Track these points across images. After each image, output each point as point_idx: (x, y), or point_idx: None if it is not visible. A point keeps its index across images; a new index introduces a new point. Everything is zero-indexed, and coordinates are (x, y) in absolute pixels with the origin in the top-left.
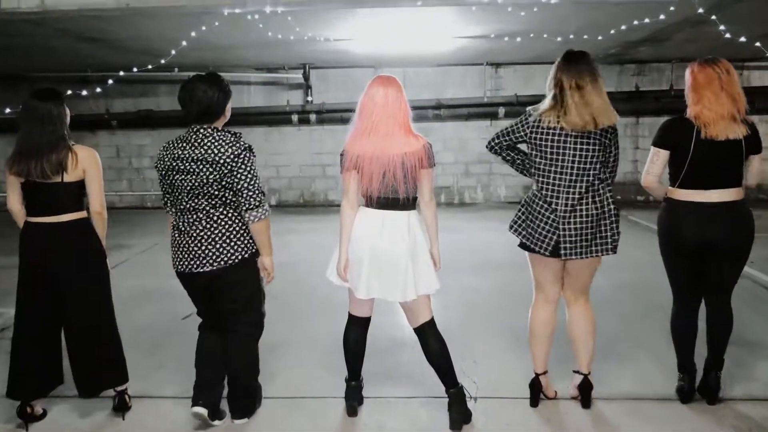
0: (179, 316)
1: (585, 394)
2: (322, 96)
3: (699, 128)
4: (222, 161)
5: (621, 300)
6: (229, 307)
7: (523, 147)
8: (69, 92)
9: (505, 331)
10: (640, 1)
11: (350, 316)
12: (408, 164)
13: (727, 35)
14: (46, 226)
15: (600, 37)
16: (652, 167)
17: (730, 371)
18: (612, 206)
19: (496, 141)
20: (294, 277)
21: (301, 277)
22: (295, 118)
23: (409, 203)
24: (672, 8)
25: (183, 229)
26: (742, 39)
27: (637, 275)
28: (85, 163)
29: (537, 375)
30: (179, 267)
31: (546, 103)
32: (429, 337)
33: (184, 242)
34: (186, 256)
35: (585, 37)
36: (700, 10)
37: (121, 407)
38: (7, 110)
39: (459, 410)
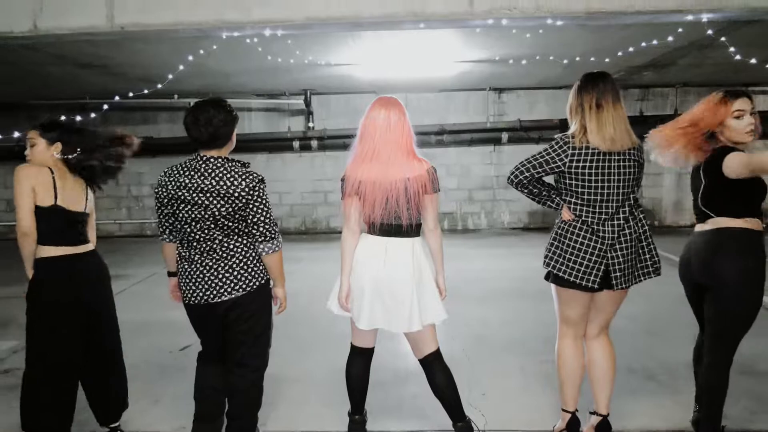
0: (175, 349)
1: None
2: (324, 122)
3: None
4: (237, 194)
5: (630, 330)
6: (242, 338)
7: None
8: (63, 117)
9: (514, 362)
10: (648, 23)
11: (353, 347)
12: (411, 190)
13: (738, 57)
14: (77, 257)
15: (607, 60)
16: None
17: (749, 404)
18: (647, 227)
19: (526, 174)
20: (296, 307)
21: (304, 307)
22: (296, 144)
23: (412, 230)
24: (680, 30)
25: (195, 259)
26: (753, 61)
27: (648, 303)
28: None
29: (573, 414)
30: (193, 299)
31: (576, 128)
32: (435, 368)
33: (198, 272)
34: (201, 286)
35: (592, 59)
36: (709, 32)
37: None
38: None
39: None
